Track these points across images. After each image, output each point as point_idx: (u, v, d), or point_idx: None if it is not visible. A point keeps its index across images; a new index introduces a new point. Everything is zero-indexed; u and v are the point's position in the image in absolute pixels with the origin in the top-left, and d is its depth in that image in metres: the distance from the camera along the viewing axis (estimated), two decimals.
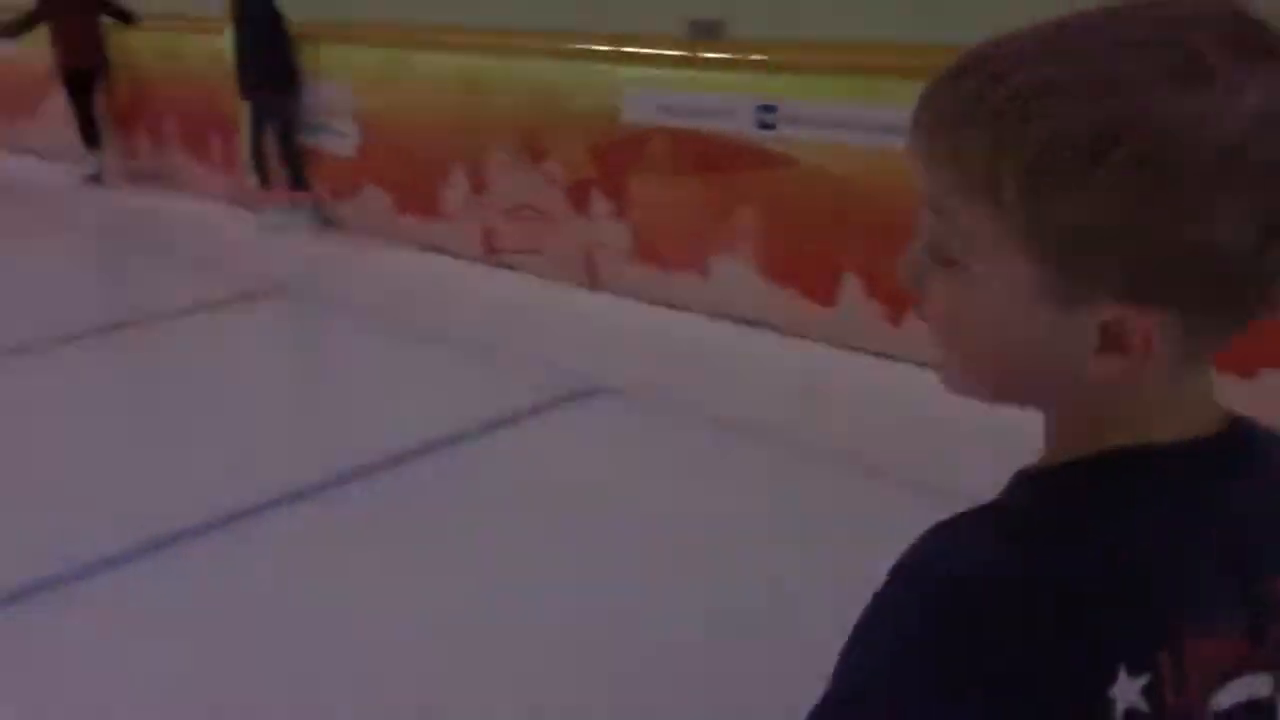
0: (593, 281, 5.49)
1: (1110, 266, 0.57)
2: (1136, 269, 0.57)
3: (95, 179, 7.69)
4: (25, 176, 8.35)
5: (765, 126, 4.67)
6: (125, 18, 7.53)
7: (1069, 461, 0.64)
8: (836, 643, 0.62)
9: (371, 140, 6.17)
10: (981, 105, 0.58)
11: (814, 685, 0.63)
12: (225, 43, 6.51)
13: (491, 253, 5.93)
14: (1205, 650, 0.60)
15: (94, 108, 7.66)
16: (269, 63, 6.28)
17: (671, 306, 5.15)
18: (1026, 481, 0.66)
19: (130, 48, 7.73)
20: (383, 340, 5.07)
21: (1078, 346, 0.60)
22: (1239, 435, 0.65)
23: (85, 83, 7.60)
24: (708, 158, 4.88)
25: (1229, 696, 0.62)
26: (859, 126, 4.31)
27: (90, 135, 7.67)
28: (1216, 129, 0.54)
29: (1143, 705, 0.58)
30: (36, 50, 7.86)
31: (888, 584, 0.62)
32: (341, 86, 6.29)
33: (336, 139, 6.20)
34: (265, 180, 6.60)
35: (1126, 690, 0.58)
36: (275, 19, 6.31)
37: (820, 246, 4.59)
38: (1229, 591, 0.62)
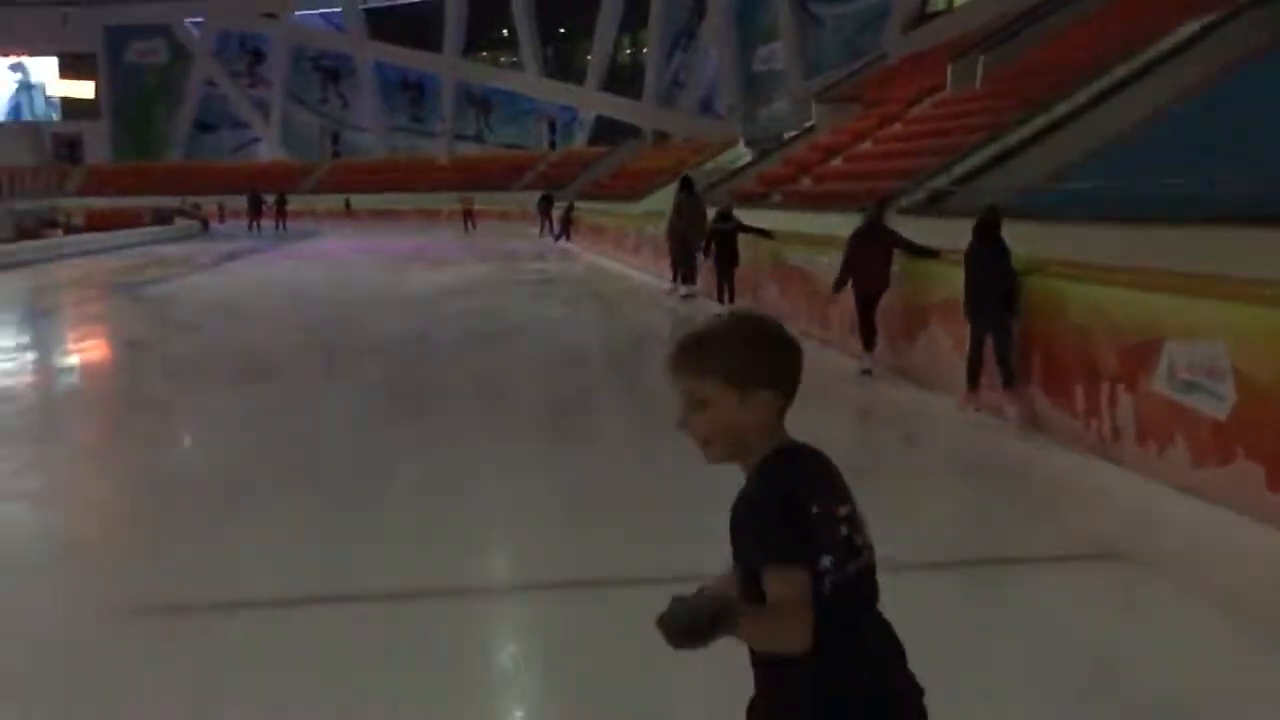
0: None
1: (761, 379, 1.77)
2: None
3: (867, 373, 9.45)
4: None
5: None
6: (928, 254, 9.24)
7: (771, 452, 1.78)
8: None
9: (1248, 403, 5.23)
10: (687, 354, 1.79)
11: None
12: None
13: None
14: (836, 503, 1.77)
15: (875, 317, 9.47)
16: (996, 287, 7.51)
17: None
18: (768, 464, 1.77)
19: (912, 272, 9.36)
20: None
21: (762, 412, 1.77)
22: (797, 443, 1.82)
23: (874, 300, 9.40)
24: None
25: (850, 524, 1.78)
26: None
27: (869, 339, 9.42)
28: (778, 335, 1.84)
29: (818, 510, 1.73)
30: None
31: (750, 500, 1.75)
32: (1216, 343, 5.59)
33: (1210, 400, 5.45)
34: (974, 381, 7.68)
35: (817, 511, 1.73)
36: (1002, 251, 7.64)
37: None
38: (844, 500, 1.79)
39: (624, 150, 45.66)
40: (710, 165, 31.87)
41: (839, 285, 9.56)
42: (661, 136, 45.70)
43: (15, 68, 59.76)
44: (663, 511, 5.47)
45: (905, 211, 14.39)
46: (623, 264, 20.50)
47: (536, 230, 34.88)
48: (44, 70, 59.93)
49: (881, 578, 1.80)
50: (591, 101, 50.78)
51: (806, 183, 22.38)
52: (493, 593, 4.77)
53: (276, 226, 41.45)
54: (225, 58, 59.73)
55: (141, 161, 57.85)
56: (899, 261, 9.37)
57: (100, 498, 6.42)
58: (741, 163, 29.68)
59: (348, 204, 48.76)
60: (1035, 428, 7.08)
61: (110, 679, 3.76)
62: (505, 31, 53.45)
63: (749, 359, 1.76)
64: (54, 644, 4.04)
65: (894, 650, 1.81)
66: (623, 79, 49.95)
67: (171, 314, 16.67)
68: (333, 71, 58.62)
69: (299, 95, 59.35)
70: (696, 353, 1.78)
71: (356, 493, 5.96)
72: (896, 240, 9.47)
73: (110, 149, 60.20)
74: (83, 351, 13.11)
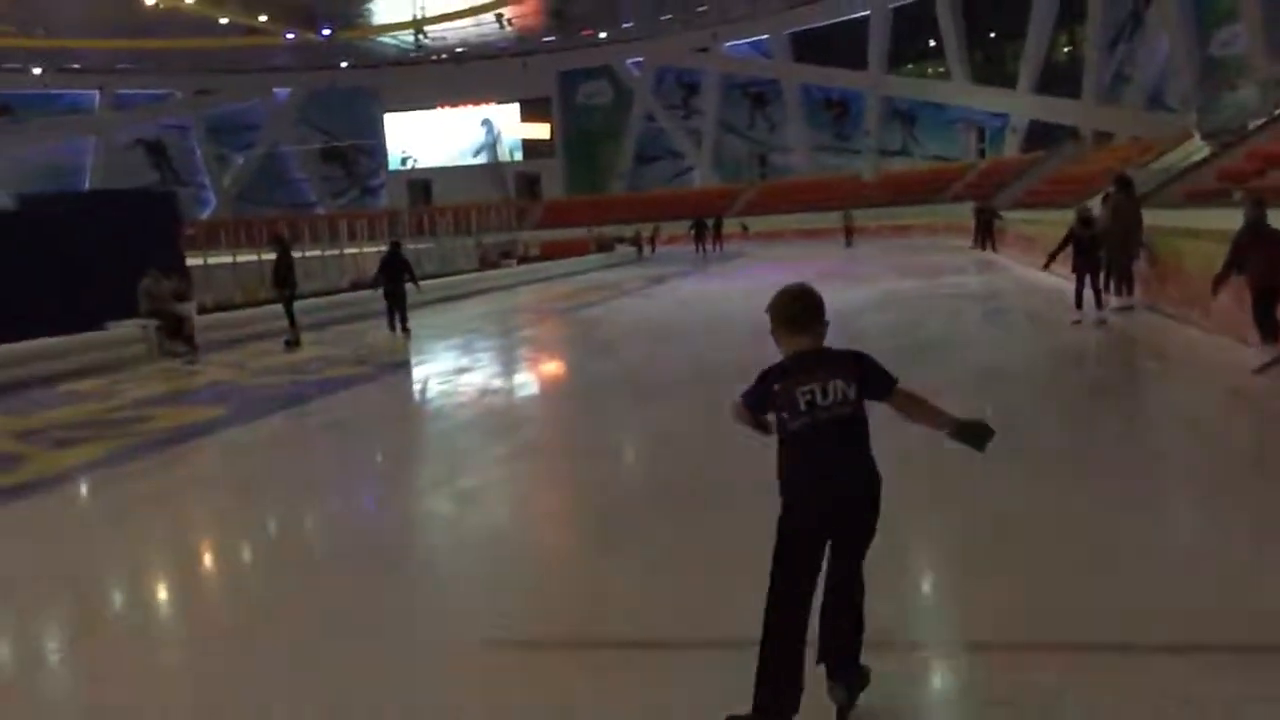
0: None
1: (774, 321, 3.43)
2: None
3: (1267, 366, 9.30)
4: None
5: None
6: None
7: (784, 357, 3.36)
8: None
9: None
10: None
11: None
12: None
13: None
14: (803, 384, 3.22)
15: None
16: None
17: None
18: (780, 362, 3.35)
19: None
20: None
21: (778, 338, 3.42)
22: (820, 348, 3.34)
23: (1272, 297, 9.34)
24: None
25: (810, 396, 3.22)
26: None
27: (1266, 330, 9.32)
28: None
29: (778, 387, 3.26)
30: None
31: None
32: None
33: None
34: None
35: (777, 388, 3.24)
36: None
37: None
38: (811, 374, 3.25)
39: (1061, 154, 42.75)
40: (1159, 164, 28.95)
41: (1218, 284, 9.72)
42: (1104, 137, 42.28)
43: (484, 122, 66.98)
44: None
45: None
46: (1056, 275, 18.95)
47: (968, 243, 33.78)
48: (507, 116, 66.69)
49: None
50: (1024, 104, 48.12)
51: (1277, 176, 19.61)
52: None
53: (714, 248, 43.85)
54: (663, 92, 63.31)
55: (591, 194, 62.73)
56: None
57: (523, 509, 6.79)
58: (1198, 158, 26.66)
59: (744, 227, 50.10)
60: None
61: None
62: (931, 41, 52.09)
63: (771, 312, 3.43)
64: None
65: (824, 473, 3.23)
66: (1058, 78, 46.83)
67: (595, 334, 17.72)
68: (760, 97, 60.21)
69: (728, 122, 61.55)
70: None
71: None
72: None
73: (564, 184, 65.84)
74: (512, 371, 14.19)
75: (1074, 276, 13.76)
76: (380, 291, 17.77)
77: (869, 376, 3.28)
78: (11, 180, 49.98)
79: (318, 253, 28.17)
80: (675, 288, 26.65)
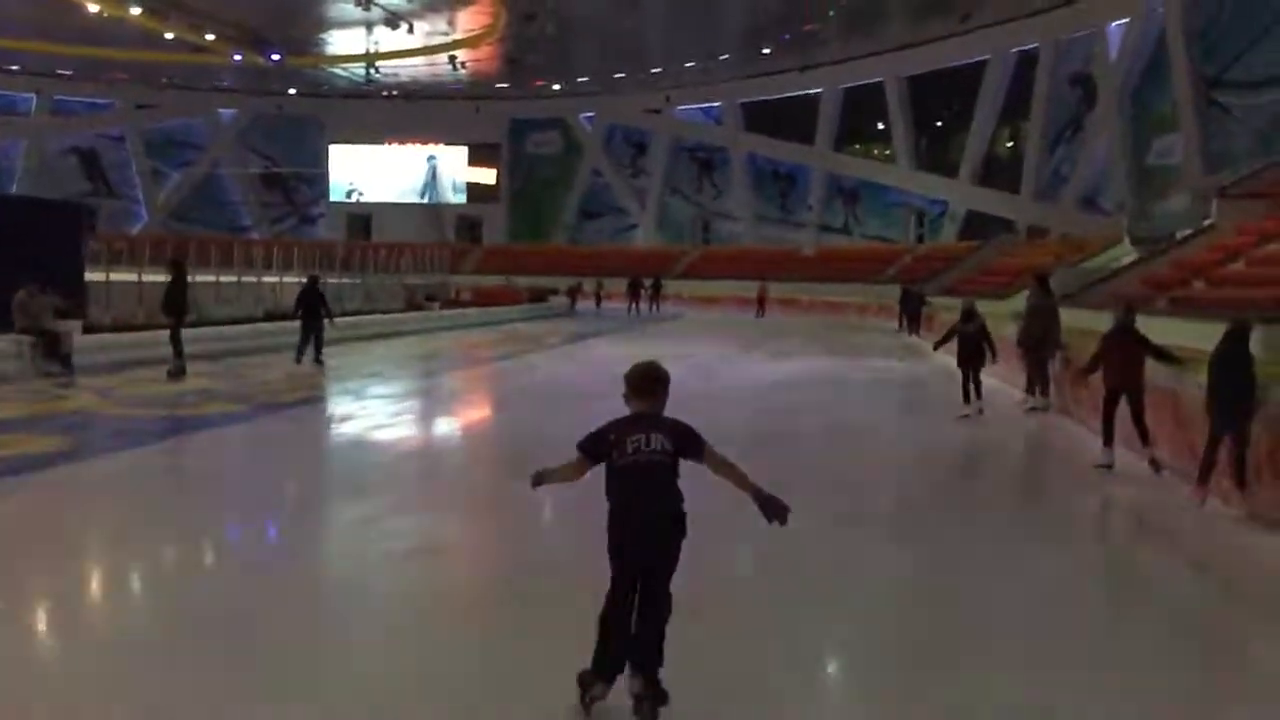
0: None
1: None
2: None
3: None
4: None
5: None
6: (1173, 360, 10.00)
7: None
8: None
9: None
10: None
11: None
12: None
13: None
14: (634, 434, 4.18)
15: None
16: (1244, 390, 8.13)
17: None
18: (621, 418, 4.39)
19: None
20: None
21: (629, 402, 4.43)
22: (655, 413, 4.31)
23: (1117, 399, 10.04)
24: None
25: (637, 443, 4.16)
26: None
27: (1108, 433, 10.07)
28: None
29: (613, 436, 4.21)
30: None
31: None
32: None
33: None
34: (1205, 478, 8.29)
35: (612, 437, 4.21)
36: None
37: None
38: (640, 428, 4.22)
39: (995, 245, 43.13)
40: (1089, 264, 29.15)
41: (1085, 374, 10.91)
42: (1038, 232, 42.77)
43: (429, 158, 66.36)
44: None
45: None
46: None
47: (894, 325, 34.00)
48: (455, 158, 66.13)
49: None
50: (964, 193, 48.64)
51: (1200, 286, 19.63)
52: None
53: (651, 309, 43.15)
54: (612, 149, 63.24)
55: (532, 243, 62.20)
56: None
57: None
58: (1126, 260, 26.86)
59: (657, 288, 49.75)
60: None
61: None
62: (879, 124, 52.67)
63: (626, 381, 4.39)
64: None
65: (638, 498, 4.15)
66: (999, 171, 47.45)
67: (490, 389, 17.06)
68: (707, 162, 60.33)
69: (675, 184, 61.56)
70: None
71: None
72: (1145, 345, 10.10)
73: (507, 230, 65.27)
74: (390, 424, 13.44)
75: (1002, 373, 13.93)
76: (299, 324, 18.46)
77: (684, 439, 4.24)
78: None
79: (233, 279, 27.15)
80: (591, 348, 26.06)
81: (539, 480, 4.34)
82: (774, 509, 4.14)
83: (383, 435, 11.90)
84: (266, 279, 28.25)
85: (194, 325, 19.63)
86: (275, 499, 8.62)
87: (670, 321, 37.00)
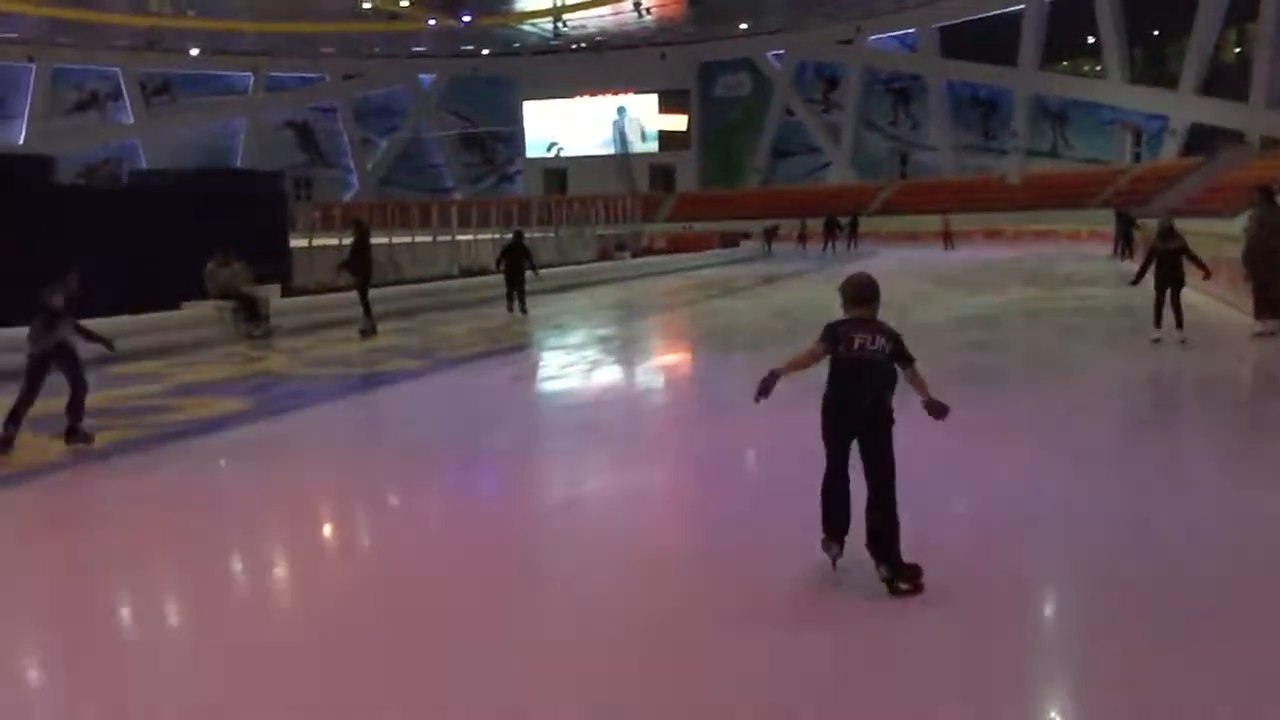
0: None
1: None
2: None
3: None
4: None
5: None
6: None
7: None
8: None
9: None
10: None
11: None
12: None
13: None
14: (858, 332, 4.80)
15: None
16: None
17: None
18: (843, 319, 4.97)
19: None
20: None
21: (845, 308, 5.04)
22: (872, 318, 4.94)
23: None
24: None
25: (861, 342, 4.77)
26: None
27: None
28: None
29: (843, 330, 4.82)
30: None
31: None
32: None
33: None
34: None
35: (842, 330, 4.83)
36: None
37: None
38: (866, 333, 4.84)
39: (1222, 159, 39.78)
40: None
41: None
42: (1272, 143, 39.16)
43: (619, 110, 66.57)
44: None
45: None
46: (1199, 291, 17.07)
47: (1108, 252, 31.90)
48: (645, 106, 66.15)
49: None
50: (1186, 106, 44.98)
51: None
52: None
53: (849, 247, 42.64)
54: (802, 86, 61.78)
55: (725, 189, 61.71)
56: None
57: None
58: None
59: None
60: None
61: None
62: (1090, 39, 49.27)
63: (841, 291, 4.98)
64: None
65: (857, 385, 4.74)
66: (1224, 80, 43.61)
67: (659, 339, 16.90)
68: (903, 92, 58.11)
69: (869, 118, 59.64)
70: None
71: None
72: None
73: (699, 177, 64.98)
74: (571, 375, 13.46)
75: (1228, 297, 12.76)
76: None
77: (900, 345, 4.82)
78: (169, 157, 52.06)
79: (428, 239, 28.01)
80: (777, 290, 25.55)
81: (770, 383, 4.80)
82: (937, 411, 4.84)
83: (574, 383, 11.99)
84: (460, 237, 29.02)
85: (386, 285, 20.38)
86: (397, 460, 8.73)
87: (868, 261, 35.94)
